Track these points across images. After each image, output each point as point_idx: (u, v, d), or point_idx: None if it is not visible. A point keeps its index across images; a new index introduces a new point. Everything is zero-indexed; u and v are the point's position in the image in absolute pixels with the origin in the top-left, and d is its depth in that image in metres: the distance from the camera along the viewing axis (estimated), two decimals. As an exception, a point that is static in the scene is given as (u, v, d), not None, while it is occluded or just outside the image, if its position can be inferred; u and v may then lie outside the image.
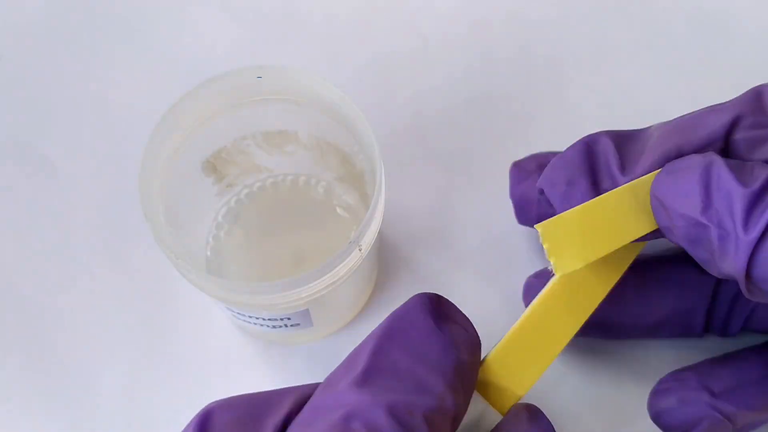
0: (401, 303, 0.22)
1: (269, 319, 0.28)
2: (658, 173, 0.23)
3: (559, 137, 0.34)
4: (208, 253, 0.31)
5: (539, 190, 0.26)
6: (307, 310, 0.27)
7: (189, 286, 0.26)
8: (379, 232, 0.27)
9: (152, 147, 0.26)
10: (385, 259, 0.33)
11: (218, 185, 0.31)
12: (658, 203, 0.23)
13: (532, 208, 0.30)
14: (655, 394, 0.27)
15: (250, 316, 0.28)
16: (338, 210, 0.32)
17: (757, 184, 0.21)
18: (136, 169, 0.26)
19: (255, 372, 0.31)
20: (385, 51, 0.36)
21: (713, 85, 0.35)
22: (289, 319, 0.28)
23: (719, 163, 0.22)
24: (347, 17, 0.36)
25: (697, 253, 0.23)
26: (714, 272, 0.23)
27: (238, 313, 0.28)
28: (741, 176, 0.22)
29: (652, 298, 0.28)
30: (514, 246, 0.33)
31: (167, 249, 0.25)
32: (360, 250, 0.25)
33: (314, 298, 0.26)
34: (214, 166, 0.30)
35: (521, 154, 0.31)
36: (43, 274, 0.33)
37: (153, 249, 0.26)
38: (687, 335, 0.29)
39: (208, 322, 0.32)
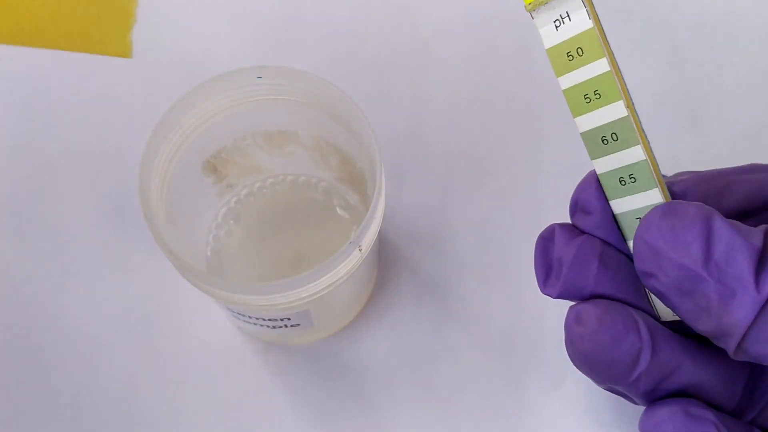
0: (401, 303, 0.21)
1: (269, 320, 0.28)
2: (650, 215, 0.22)
3: (559, 137, 0.34)
4: (208, 253, 0.31)
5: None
6: (308, 310, 0.27)
7: (189, 285, 0.26)
8: (379, 232, 0.27)
9: (152, 147, 0.26)
10: (385, 259, 0.33)
11: (218, 185, 0.31)
12: (647, 248, 0.22)
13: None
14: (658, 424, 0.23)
15: (250, 317, 0.28)
16: (338, 210, 0.32)
17: (758, 240, 0.20)
18: (136, 169, 0.25)
19: (255, 372, 0.31)
20: (385, 51, 0.36)
21: (713, 84, 0.35)
22: (289, 319, 0.28)
23: (719, 216, 0.21)
24: (347, 17, 0.36)
25: (683, 305, 0.22)
26: (695, 326, 0.22)
27: (237, 313, 0.28)
28: (742, 231, 0.21)
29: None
30: (514, 246, 0.33)
31: (167, 249, 0.25)
32: (360, 250, 0.25)
33: (314, 299, 0.26)
34: (214, 166, 0.30)
35: (521, 153, 0.31)
36: (43, 274, 0.33)
37: (153, 249, 0.26)
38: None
39: (208, 323, 0.32)
